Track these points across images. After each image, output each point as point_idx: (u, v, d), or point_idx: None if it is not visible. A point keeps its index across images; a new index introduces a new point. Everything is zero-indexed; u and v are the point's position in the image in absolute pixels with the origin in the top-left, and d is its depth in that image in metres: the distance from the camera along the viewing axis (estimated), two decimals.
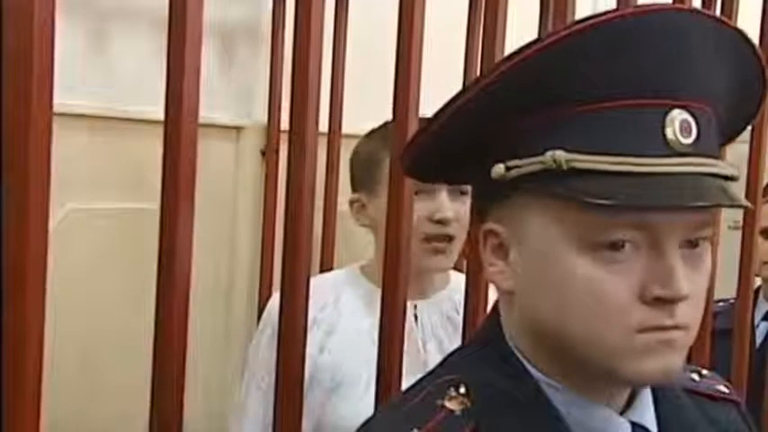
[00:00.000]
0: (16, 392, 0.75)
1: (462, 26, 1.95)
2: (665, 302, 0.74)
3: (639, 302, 0.74)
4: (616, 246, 0.74)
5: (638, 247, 0.74)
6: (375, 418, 0.86)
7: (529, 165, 0.76)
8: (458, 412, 0.79)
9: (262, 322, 1.56)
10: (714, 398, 0.92)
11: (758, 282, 2.19)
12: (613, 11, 0.74)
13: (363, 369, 1.45)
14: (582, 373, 0.79)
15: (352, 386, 1.45)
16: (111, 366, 1.71)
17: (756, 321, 2.24)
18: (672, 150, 0.74)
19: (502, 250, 0.81)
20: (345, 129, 2.05)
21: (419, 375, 0.88)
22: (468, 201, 1.45)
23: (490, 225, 0.81)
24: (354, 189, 1.54)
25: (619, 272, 0.74)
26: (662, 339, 0.75)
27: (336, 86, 2.04)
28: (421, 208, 1.42)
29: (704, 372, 0.94)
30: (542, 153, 0.74)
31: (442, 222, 1.43)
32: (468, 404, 0.79)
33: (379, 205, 1.46)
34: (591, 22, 0.73)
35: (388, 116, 1.23)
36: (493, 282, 0.82)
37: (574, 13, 1.35)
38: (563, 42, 0.73)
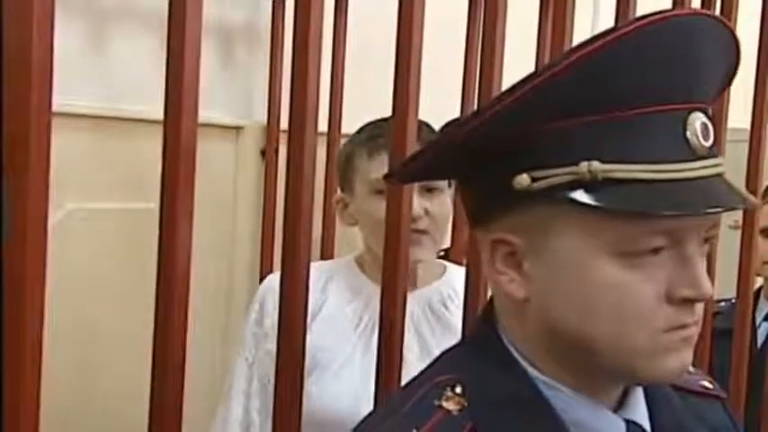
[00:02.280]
0: (16, 393, 0.75)
1: (462, 26, 1.95)
2: (691, 302, 0.76)
3: (665, 303, 0.75)
4: (648, 252, 0.75)
5: (663, 249, 0.75)
6: (372, 420, 0.86)
7: (560, 175, 0.74)
8: (455, 412, 0.79)
9: (252, 301, 1.59)
10: (699, 393, 0.93)
11: (759, 282, 2.19)
12: (641, 18, 0.74)
13: (339, 353, 1.48)
14: (591, 374, 0.80)
15: (325, 369, 1.48)
16: (109, 366, 1.71)
17: (758, 322, 2.24)
18: (694, 154, 0.75)
19: (514, 259, 0.80)
20: (345, 128, 2.05)
21: None
22: (439, 196, 1.48)
23: (500, 235, 0.80)
24: (341, 189, 1.57)
25: (647, 276, 0.75)
26: (684, 337, 0.77)
27: (336, 85, 2.04)
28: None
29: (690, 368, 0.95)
30: (575, 163, 0.74)
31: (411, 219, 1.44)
32: (465, 404, 0.79)
33: (357, 204, 1.50)
34: (620, 32, 0.73)
35: (388, 114, 1.23)
36: (504, 291, 0.81)
37: (573, 17, 1.35)
38: (596, 52, 0.73)
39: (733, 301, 1.86)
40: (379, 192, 1.43)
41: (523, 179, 0.76)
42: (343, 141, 2.02)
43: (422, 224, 1.46)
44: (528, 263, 0.79)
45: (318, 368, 1.47)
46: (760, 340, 2.25)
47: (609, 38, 0.72)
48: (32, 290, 0.75)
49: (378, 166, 1.42)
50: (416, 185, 1.43)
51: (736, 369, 1.73)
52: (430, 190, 1.47)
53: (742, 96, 1.72)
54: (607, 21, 1.62)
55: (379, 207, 1.36)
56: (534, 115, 0.75)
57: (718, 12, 1.70)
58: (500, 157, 0.78)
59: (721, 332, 1.80)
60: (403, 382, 0.89)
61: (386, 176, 0.98)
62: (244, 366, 1.56)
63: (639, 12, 1.53)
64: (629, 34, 0.72)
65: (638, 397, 0.84)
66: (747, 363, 1.75)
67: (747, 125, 1.76)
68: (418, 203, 1.44)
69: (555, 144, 0.75)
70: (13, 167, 0.73)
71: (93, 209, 1.66)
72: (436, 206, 1.47)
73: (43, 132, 0.73)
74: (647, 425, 0.84)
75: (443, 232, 1.53)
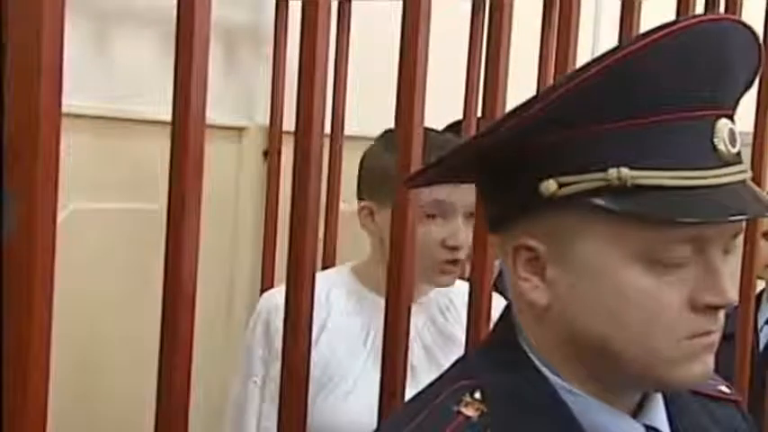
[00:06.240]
0: (21, 394, 0.75)
1: (461, 25, 1.95)
2: (715, 309, 0.76)
3: (689, 310, 0.75)
4: (673, 259, 0.75)
5: (689, 256, 0.75)
6: (390, 426, 0.86)
7: (587, 181, 0.74)
8: (474, 418, 0.79)
9: (252, 319, 1.56)
10: (716, 398, 0.93)
11: (761, 285, 2.19)
12: (671, 23, 0.73)
13: (350, 369, 1.46)
14: (612, 380, 0.79)
15: (337, 385, 1.46)
16: (112, 368, 1.71)
17: (759, 325, 2.24)
18: (720, 160, 0.75)
19: (537, 265, 0.79)
20: (348, 130, 2.05)
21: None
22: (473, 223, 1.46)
23: (523, 240, 0.80)
24: (361, 196, 1.53)
25: (672, 283, 0.75)
26: (707, 344, 0.77)
27: (339, 87, 2.04)
28: (435, 232, 1.43)
29: None
30: (603, 170, 0.73)
31: (455, 248, 1.43)
32: (485, 409, 0.79)
33: (387, 216, 1.47)
34: (651, 38, 0.72)
35: (391, 116, 1.23)
36: (526, 297, 0.81)
37: (578, 20, 1.35)
38: (626, 58, 0.72)
39: (735, 304, 1.85)
40: (429, 216, 1.42)
41: (550, 185, 0.76)
42: (345, 143, 2.04)
43: (462, 253, 1.44)
44: (551, 269, 0.78)
45: (332, 383, 1.46)
46: (762, 344, 2.24)
47: (640, 44, 0.72)
48: (41, 291, 0.75)
49: (425, 192, 1.38)
50: (464, 211, 1.42)
51: (739, 373, 1.73)
52: (473, 214, 1.42)
53: (745, 99, 1.71)
54: (609, 31, 1.63)
55: (426, 232, 1.38)
56: (564, 121, 0.74)
57: (722, 10, 1.70)
58: (527, 163, 0.77)
59: (722, 336, 1.80)
60: (413, 391, 0.88)
61: (405, 180, 0.98)
62: (254, 389, 1.52)
63: (643, 18, 1.53)
64: (660, 40, 0.72)
65: (658, 402, 0.84)
66: (749, 367, 1.75)
67: (750, 127, 1.76)
68: (464, 232, 1.43)
69: (583, 150, 0.75)
70: (21, 168, 0.73)
71: (95, 209, 1.66)
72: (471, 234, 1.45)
73: (52, 132, 0.73)
74: (666, 430, 0.84)
75: None
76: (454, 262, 1.45)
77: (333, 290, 1.52)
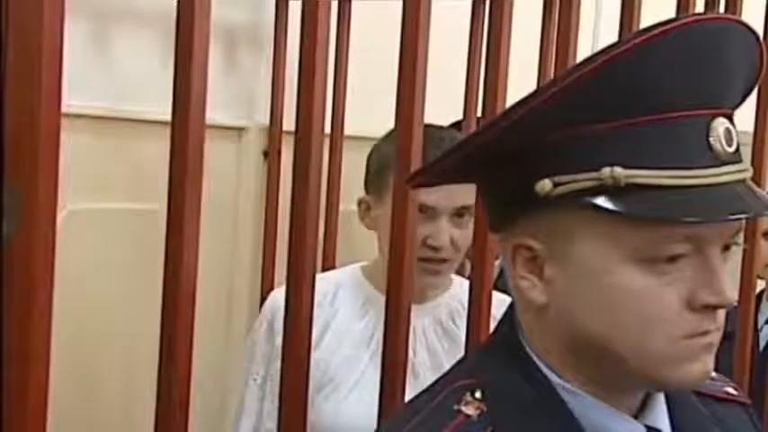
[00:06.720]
0: (21, 394, 0.75)
1: (466, 27, 1.95)
2: (713, 309, 0.75)
3: (687, 310, 0.75)
4: (671, 258, 0.74)
5: (685, 256, 0.75)
6: (391, 424, 0.86)
7: (582, 181, 0.74)
8: (474, 417, 0.79)
9: (258, 318, 1.56)
10: (722, 399, 0.93)
11: (761, 285, 2.19)
12: (668, 21, 0.73)
13: (351, 370, 1.46)
14: (612, 379, 0.79)
15: (338, 386, 1.46)
16: (112, 367, 1.71)
17: (759, 324, 2.24)
18: (717, 160, 0.74)
19: (535, 265, 0.79)
20: (348, 130, 2.05)
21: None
22: (469, 222, 1.44)
23: (521, 240, 0.80)
24: (366, 190, 1.53)
25: (670, 282, 0.75)
26: (705, 344, 0.76)
27: (339, 86, 2.04)
28: (418, 230, 1.41)
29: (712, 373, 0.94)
30: (597, 169, 0.73)
31: (435, 248, 1.42)
32: (485, 408, 0.79)
33: (382, 210, 1.46)
34: (647, 36, 0.72)
35: (391, 116, 1.23)
36: (525, 296, 0.81)
37: (578, 20, 1.35)
38: (622, 56, 0.72)
39: (734, 304, 1.85)
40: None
41: (545, 184, 0.76)
42: (345, 142, 2.04)
43: (444, 253, 1.43)
44: (549, 268, 0.78)
45: (331, 384, 1.45)
46: (762, 344, 2.24)
47: (636, 42, 0.72)
48: (41, 292, 0.75)
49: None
50: (448, 213, 1.42)
51: (739, 373, 1.73)
52: (461, 215, 1.43)
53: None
54: (609, 30, 1.63)
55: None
56: (559, 119, 0.74)
57: (722, 10, 1.70)
58: (523, 162, 0.77)
59: (722, 336, 1.80)
60: (415, 393, 0.88)
61: (407, 180, 0.98)
62: (254, 387, 1.52)
63: (643, 17, 1.53)
64: (659, 36, 0.72)
65: (660, 403, 0.84)
66: (749, 367, 1.75)
67: (750, 127, 1.76)
68: (447, 233, 1.42)
69: (578, 149, 0.75)
70: (22, 168, 0.73)
71: (95, 209, 1.65)
72: (464, 234, 1.44)
73: (53, 134, 0.73)
74: (667, 431, 0.84)
75: (463, 255, 1.50)
76: (438, 261, 1.44)
77: (340, 291, 1.52)
